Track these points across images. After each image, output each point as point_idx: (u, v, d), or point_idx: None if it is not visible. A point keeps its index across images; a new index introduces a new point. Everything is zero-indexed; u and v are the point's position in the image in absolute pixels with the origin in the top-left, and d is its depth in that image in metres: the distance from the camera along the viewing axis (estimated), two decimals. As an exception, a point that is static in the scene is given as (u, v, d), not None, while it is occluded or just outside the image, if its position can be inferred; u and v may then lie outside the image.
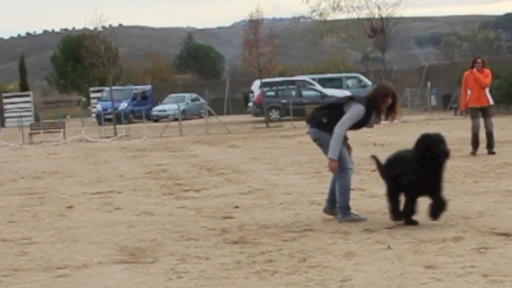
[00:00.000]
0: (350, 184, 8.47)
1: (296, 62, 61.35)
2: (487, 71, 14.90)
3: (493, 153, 14.53)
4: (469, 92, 14.78)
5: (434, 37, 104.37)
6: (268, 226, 8.25)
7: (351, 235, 7.52)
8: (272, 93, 36.56)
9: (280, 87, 37.57)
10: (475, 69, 14.79)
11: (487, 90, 14.79)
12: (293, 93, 36.76)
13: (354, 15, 33.62)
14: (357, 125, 8.47)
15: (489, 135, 14.79)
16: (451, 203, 9.11)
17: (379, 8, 32.30)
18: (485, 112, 14.85)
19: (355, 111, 8.28)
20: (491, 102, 14.92)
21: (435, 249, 6.70)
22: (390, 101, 8.51)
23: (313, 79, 40.70)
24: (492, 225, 7.59)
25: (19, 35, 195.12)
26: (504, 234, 7.15)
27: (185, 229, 8.36)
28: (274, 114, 35.73)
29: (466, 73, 14.97)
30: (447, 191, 10.12)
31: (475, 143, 14.78)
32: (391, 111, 8.57)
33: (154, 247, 7.48)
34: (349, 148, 8.62)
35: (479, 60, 14.99)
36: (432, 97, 36.50)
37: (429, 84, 36.19)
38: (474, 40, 58.38)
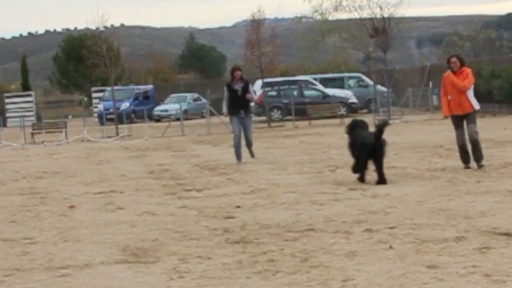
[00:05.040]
0: (236, 143, 15.56)
1: (298, 62, 61.24)
2: (467, 71, 12.40)
3: (482, 166, 12.26)
4: (449, 97, 12.47)
5: (436, 37, 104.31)
6: (270, 226, 8.25)
7: (353, 235, 7.52)
8: (274, 93, 36.57)
9: (281, 87, 37.58)
10: (449, 71, 12.43)
11: (469, 94, 12.37)
12: (295, 93, 36.76)
13: (356, 15, 33.50)
14: (233, 97, 15.35)
15: (474, 144, 12.35)
16: (453, 203, 9.12)
17: (381, 8, 32.16)
18: (468, 118, 12.41)
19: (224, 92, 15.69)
20: (476, 107, 12.43)
21: (437, 249, 6.69)
22: (239, 72, 15.34)
23: (315, 79, 40.69)
24: (494, 225, 7.58)
25: (21, 35, 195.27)
26: (506, 234, 7.14)
27: (187, 229, 8.36)
28: (276, 114, 35.73)
29: (444, 75, 12.53)
30: (449, 191, 10.14)
31: (464, 156, 12.52)
32: (244, 80, 15.49)
33: (156, 247, 7.49)
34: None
35: (453, 60, 12.49)
36: (434, 97, 36.38)
37: (431, 84, 36.14)
38: (476, 40, 58.30)
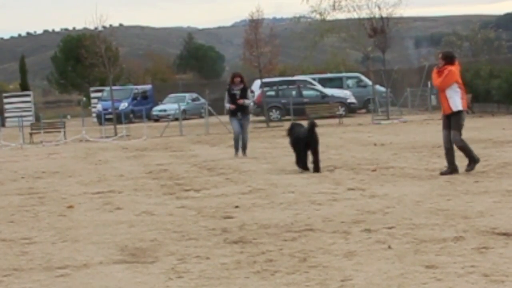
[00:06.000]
0: (235, 138, 17.03)
1: (297, 62, 61.31)
2: (448, 69, 11.52)
3: (468, 170, 11.72)
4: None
5: (435, 37, 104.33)
6: (269, 226, 8.25)
7: (352, 235, 7.52)
8: (272, 93, 36.57)
9: (280, 87, 37.59)
10: (435, 67, 11.87)
11: (448, 93, 11.54)
12: (294, 93, 36.79)
13: (354, 15, 33.52)
14: (232, 100, 16.72)
15: (460, 149, 11.75)
16: (452, 203, 9.12)
17: (379, 8, 32.19)
18: (450, 122, 11.65)
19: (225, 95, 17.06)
20: (455, 108, 11.51)
21: (435, 249, 6.69)
22: (238, 79, 16.76)
23: (314, 79, 40.70)
24: (493, 225, 7.58)
25: (19, 35, 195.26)
26: (504, 234, 7.14)
27: (186, 229, 8.36)
28: (275, 114, 35.75)
29: None
30: (448, 191, 10.14)
31: (446, 156, 11.79)
32: (243, 84, 16.92)
33: (154, 247, 7.48)
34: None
35: (439, 56, 11.87)
36: (432, 96, 36.39)
37: (429, 83, 36.15)
38: (474, 40, 58.38)
